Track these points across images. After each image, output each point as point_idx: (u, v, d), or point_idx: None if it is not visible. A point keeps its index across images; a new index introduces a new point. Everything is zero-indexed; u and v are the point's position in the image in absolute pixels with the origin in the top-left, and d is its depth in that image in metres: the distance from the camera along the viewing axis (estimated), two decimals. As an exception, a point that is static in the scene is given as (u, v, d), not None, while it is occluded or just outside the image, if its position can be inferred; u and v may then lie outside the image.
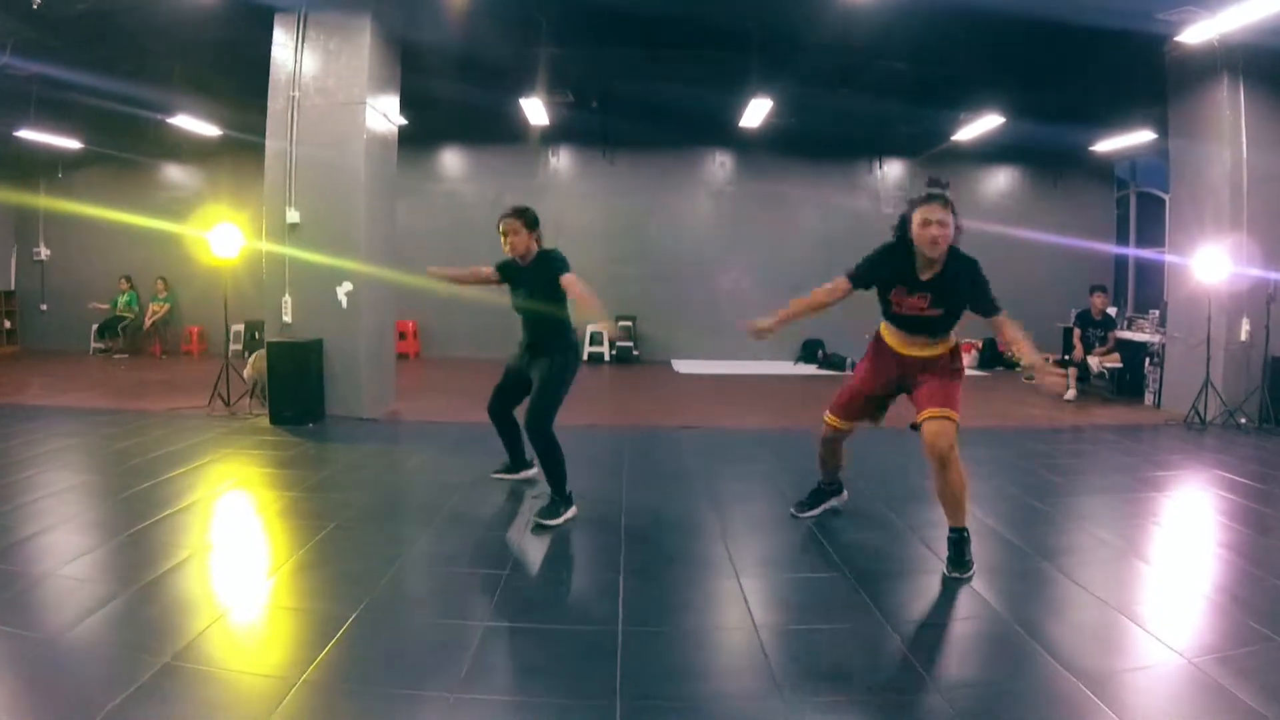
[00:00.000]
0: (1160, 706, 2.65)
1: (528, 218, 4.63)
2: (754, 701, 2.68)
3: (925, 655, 3.00)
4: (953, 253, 3.80)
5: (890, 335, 4.06)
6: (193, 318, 13.65)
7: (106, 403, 8.37)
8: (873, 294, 4.00)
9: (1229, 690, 2.68)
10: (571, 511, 4.54)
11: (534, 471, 5.13)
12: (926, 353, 3.97)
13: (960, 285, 3.80)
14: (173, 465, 5.63)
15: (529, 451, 4.86)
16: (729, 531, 4.48)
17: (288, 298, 7.48)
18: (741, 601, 3.47)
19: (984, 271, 3.82)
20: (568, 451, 4.53)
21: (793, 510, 4.71)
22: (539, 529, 4.40)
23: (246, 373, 7.95)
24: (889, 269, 3.89)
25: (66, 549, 3.91)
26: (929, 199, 3.74)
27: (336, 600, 3.39)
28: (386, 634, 3.11)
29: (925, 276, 3.81)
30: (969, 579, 3.71)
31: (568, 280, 4.45)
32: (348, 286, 7.39)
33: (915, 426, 3.86)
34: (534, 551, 4.17)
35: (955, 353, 4.02)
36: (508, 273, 4.78)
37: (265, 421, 7.22)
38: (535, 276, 4.62)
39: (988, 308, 3.78)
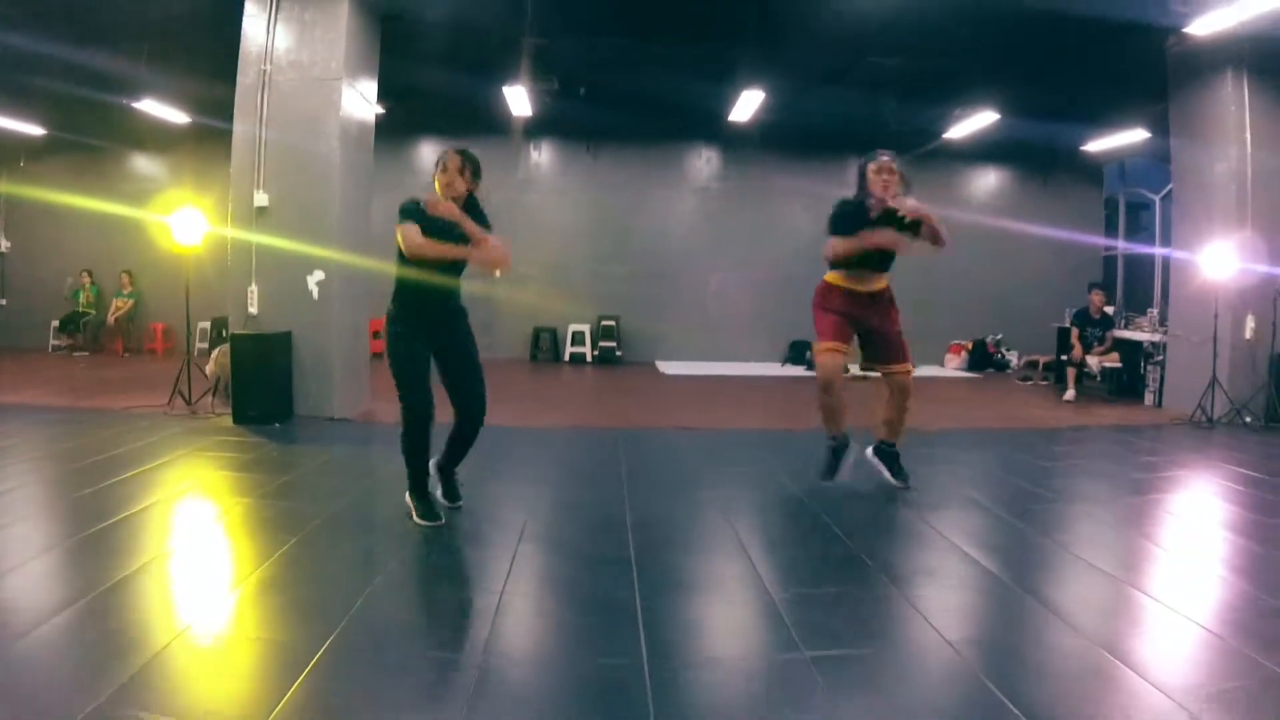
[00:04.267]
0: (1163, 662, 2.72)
1: (474, 164, 4.03)
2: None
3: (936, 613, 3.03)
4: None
5: (850, 280, 4.77)
6: (158, 314, 13.15)
7: (60, 400, 7.89)
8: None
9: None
10: None
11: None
12: (878, 286, 4.81)
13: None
14: (124, 467, 5.14)
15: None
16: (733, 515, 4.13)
17: (254, 287, 7.00)
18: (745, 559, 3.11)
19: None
20: (564, 452, 4.15)
21: (822, 478, 4.88)
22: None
23: (209, 369, 7.46)
24: (856, 218, 4.66)
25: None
26: (878, 155, 4.74)
27: (301, 628, 2.91)
28: (364, 668, 2.61)
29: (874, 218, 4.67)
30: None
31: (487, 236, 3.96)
32: (319, 275, 6.93)
33: (876, 370, 4.95)
34: (526, 564, 3.74)
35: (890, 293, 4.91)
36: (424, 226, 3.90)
37: (228, 421, 6.75)
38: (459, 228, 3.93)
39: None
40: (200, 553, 3.75)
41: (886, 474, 4.90)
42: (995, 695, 2.44)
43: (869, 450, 4.98)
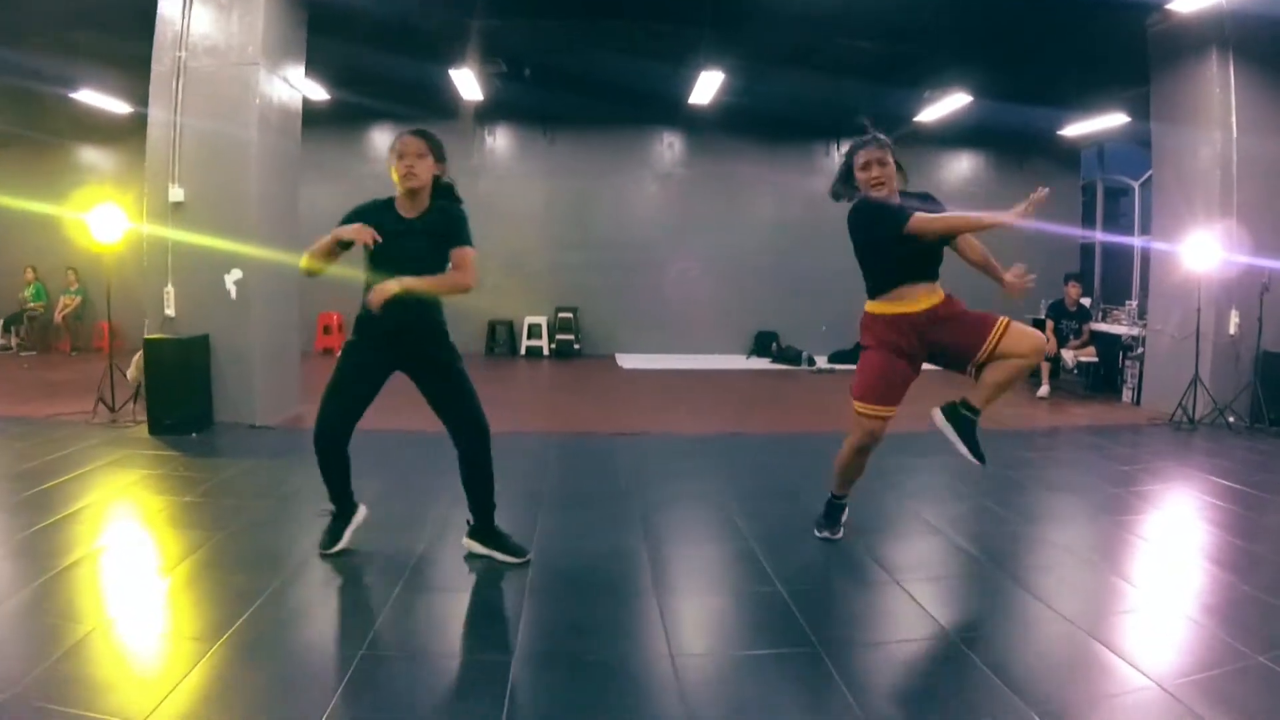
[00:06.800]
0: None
1: (435, 145, 3.43)
2: None
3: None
4: (903, 194, 3.74)
5: (896, 303, 3.69)
6: (105, 313, 12.62)
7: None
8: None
9: None
10: None
11: (364, 514, 3.82)
12: (935, 299, 3.69)
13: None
14: (31, 482, 4.79)
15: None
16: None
17: (170, 288, 6.55)
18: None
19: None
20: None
21: (818, 532, 4.10)
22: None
23: (130, 373, 6.98)
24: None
25: None
26: (864, 144, 3.66)
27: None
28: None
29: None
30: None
31: (466, 257, 3.41)
32: (237, 274, 6.48)
33: (980, 366, 3.68)
34: (427, 603, 3.34)
35: (952, 298, 3.75)
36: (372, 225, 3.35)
37: (144, 431, 6.31)
38: (428, 231, 3.41)
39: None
40: (80, 580, 3.43)
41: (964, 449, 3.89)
42: None
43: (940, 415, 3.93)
